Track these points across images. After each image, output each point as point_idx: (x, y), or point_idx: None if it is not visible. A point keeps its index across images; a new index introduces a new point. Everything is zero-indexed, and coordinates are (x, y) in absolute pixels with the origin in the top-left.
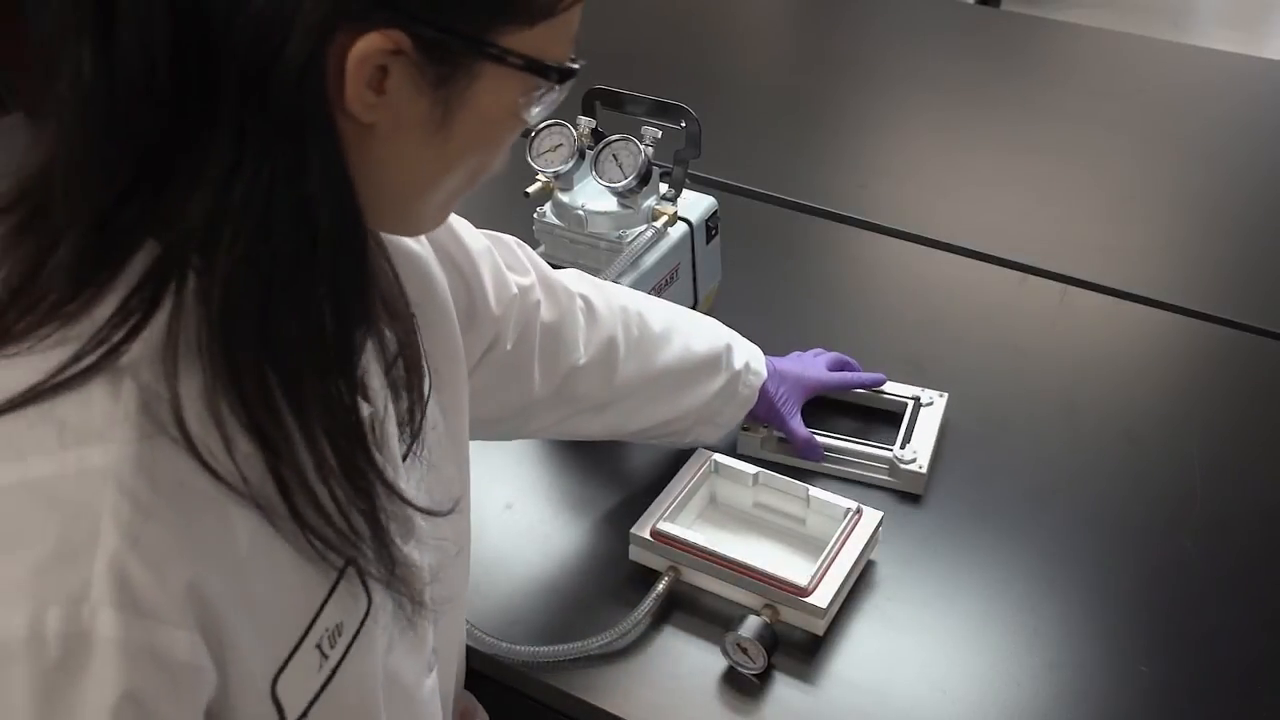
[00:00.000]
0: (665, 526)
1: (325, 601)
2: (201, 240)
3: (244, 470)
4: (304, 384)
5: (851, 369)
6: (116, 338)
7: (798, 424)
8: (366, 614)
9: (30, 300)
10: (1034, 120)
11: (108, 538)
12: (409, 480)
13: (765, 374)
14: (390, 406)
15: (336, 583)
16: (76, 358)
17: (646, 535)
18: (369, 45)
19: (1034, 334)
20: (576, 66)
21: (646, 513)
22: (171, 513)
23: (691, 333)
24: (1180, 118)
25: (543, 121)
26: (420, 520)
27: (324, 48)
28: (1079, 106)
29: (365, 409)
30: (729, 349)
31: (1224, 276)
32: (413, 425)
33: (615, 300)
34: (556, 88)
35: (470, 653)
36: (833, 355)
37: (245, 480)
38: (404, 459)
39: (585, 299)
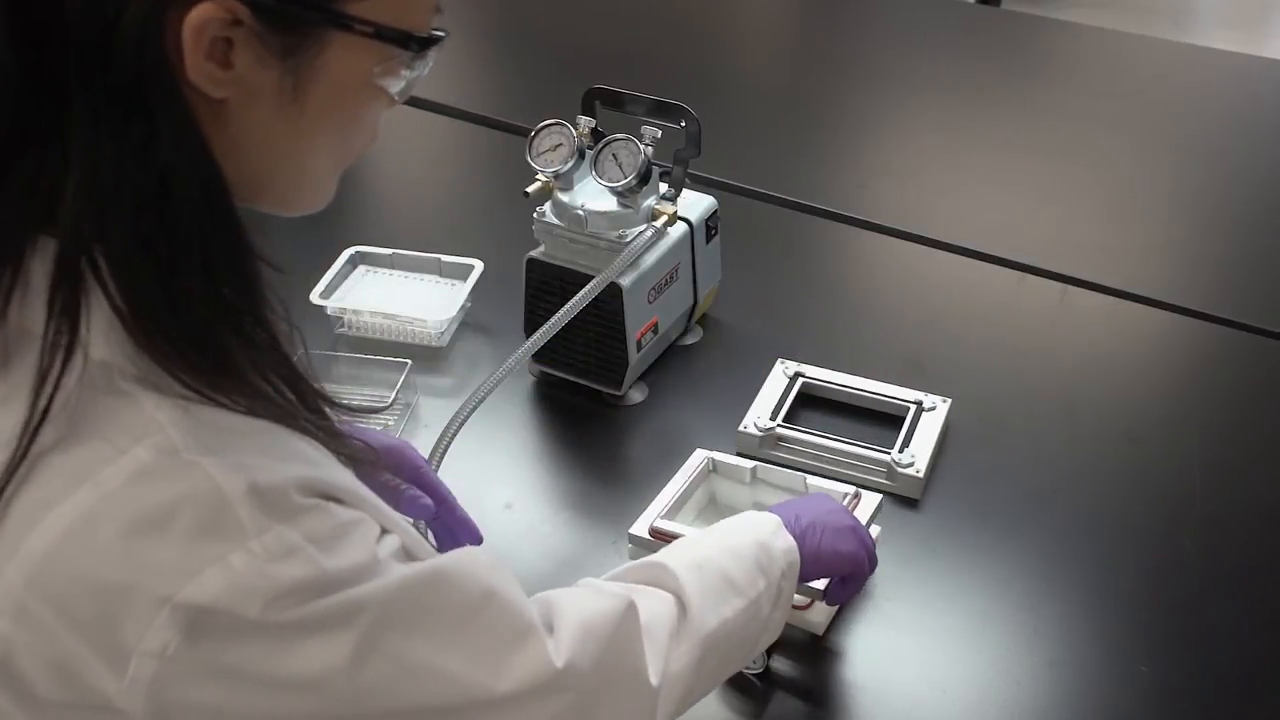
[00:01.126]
0: (663, 524)
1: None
2: (89, 226)
3: (257, 412)
4: (227, 345)
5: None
6: (61, 349)
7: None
8: None
9: None
10: (1034, 120)
11: (227, 484)
12: None
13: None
14: None
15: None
16: (44, 377)
17: (644, 535)
18: (202, 15)
19: (1034, 334)
20: (437, 35)
21: (644, 513)
22: (243, 444)
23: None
24: (1180, 117)
25: (406, 96)
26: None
27: (160, 17)
28: (1079, 106)
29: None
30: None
31: (1224, 276)
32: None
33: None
34: (416, 58)
35: None
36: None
37: (268, 415)
38: None
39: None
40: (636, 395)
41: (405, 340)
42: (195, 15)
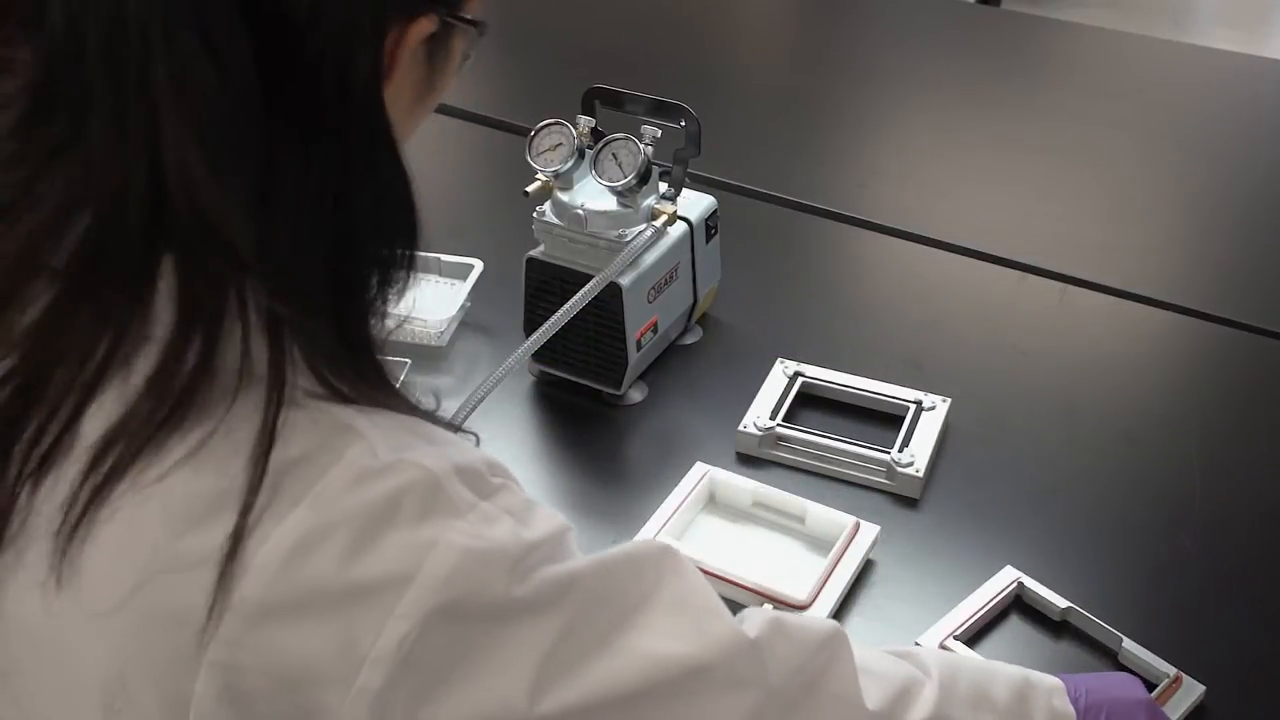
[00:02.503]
0: (664, 541)
1: None
2: (269, 254)
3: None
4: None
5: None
6: (278, 388)
7: None
8: None
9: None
10: (1034, 119)
11: (437, 468)
12: None
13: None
14: None
15: None
16: (277, 398)
17: None
18: (420, 31)
19: (1033, 333)
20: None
21: (645, 527)
22: (423, 436)
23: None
24: (1181, 117)
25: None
26: None
27: (381, 47)
28: (1079, 106)
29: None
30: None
31: (1224, 276)
32: None
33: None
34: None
35: None
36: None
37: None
38: None
39: None
40: (636, 395)
41: (404, 339)
42: (414, 32)
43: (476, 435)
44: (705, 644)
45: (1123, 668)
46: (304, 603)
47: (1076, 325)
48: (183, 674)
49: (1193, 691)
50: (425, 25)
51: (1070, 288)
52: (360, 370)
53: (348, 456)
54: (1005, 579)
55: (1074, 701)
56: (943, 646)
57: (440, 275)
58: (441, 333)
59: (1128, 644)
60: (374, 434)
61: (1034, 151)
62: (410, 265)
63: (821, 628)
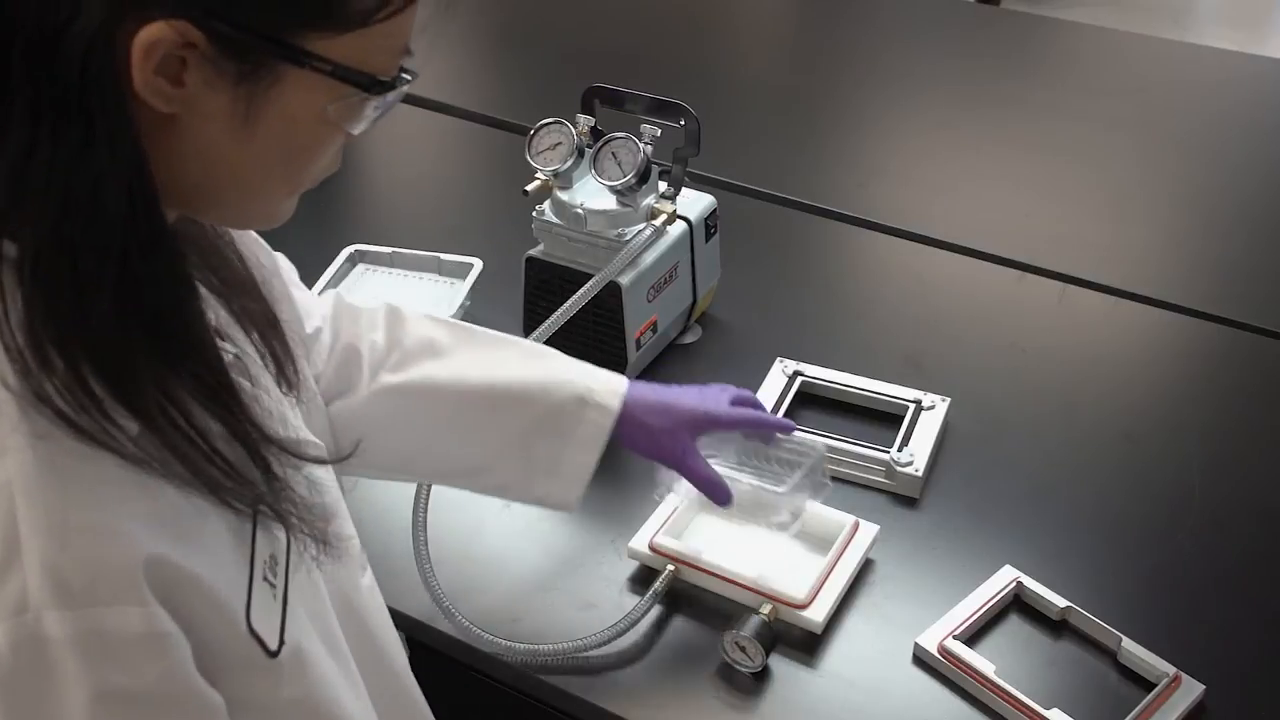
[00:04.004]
0: (663, 541)
1: (254, 539)
2: (7, 219)
3: (141, 446)
4: (140, 358)
5: (759, 407)
6: None
7: (696, 462)
8: (288, 540)
9: None
10: (1034, 118)
11: (30, 544)
12: (299, 421)
13: (617, 406)
14: (264, 362)
15: (254, 521)
16: None
17: (645, 550)
18: (151, 35)
19: (1033, 332)
20: (399, 78)
21: (644, 527)
22: (90, 501)
23: (510, 359)
24: (1181, 116)
25: (365, 130)
26: (312, 465)
27: (113, 30)
28: (1079, 105)
29: (229, 357)
30: (557, 383)
31: (1224, 275)
32: (285, 376)
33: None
34: (375, 97)
35: (469, 651)
36: (739, 392)
37: (147, 454)
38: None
39: (391, 308)
40: None
41: None
42: (145, 34)
43: None
44: None
45: (1122, 667)
46: None
47: (1076, 324)
48: None
49: (1192, 691)
50: (159, 30)
51: (1070, 287)
52: (98, 377)
53: None
54: (1004, 578)
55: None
56: (942, 646)
57: (440, 274)
58: None
59: (1127, 643)
60: (15, 463)
61: (1034, 151)
62: (161, 275)
63: None
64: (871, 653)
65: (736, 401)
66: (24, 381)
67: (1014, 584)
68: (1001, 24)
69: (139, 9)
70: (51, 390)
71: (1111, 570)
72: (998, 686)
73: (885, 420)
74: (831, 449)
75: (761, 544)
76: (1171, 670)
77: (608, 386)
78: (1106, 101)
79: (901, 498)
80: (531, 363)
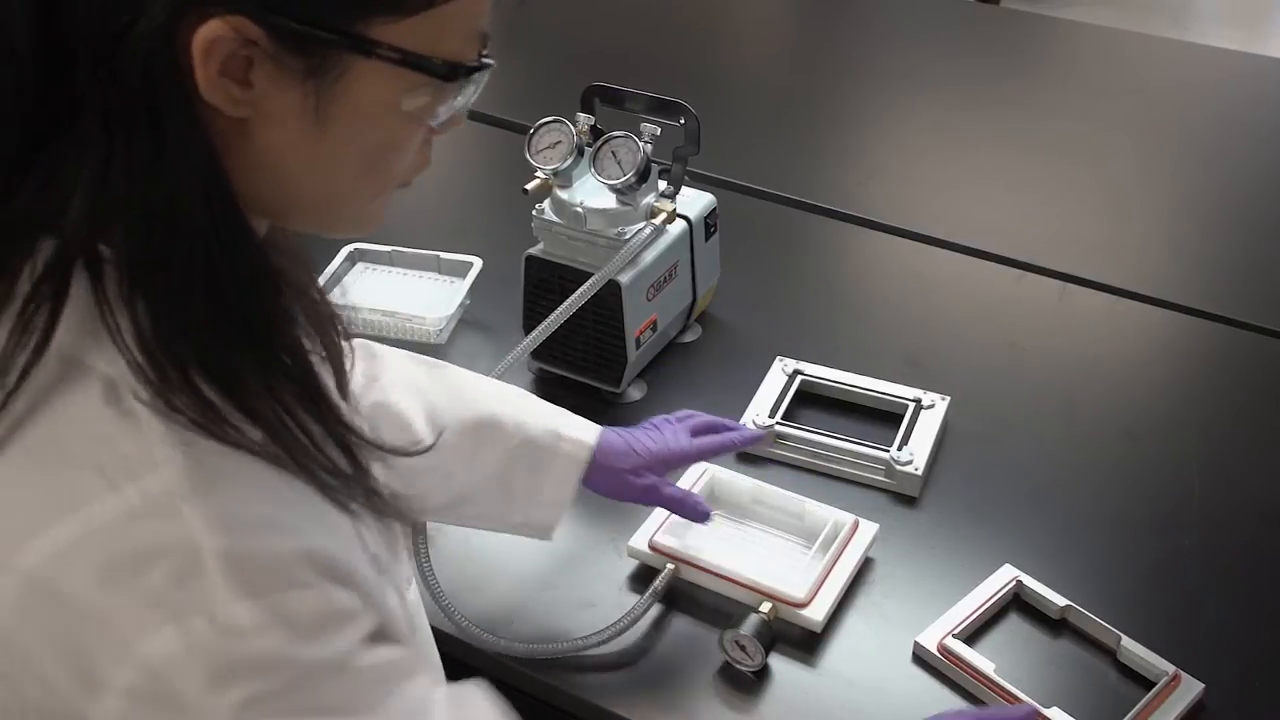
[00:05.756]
0: (663, 540)
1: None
2: (99, 232)
3: (267, 446)
4: (243, 363)
5: (723, 429)
6: (27, 350)
7: (666, 489)
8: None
9: None
10: (1033, 118)
11: (207, 545)
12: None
13: (592, 440)
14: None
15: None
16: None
17: (644, 549)
18: (209, 33)
19: (1033, 331)
20: (476, 64)
21: (644, 526)
22: (249, 497)
23: (486, 395)
24: (1180, 115)
25: (453, 125)
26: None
27: (172, 31)
28: (1079, 104)
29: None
30: (534, 415)
31: (1223, 274)
32: (341, 377)
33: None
34: (452, 85)
35: (468, 650)
36: (700, 419)
37: (274, 453)
38: None
39: (364, 344)
40: (635, 393)
41: (404, 337)
42: (204, 32)
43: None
44: None
45: (1122, 665)
46: (53, 617)
47: (1076, 323)
48: None
49: (1191, 689)
50: (217, 29)
51: (1069, 286)
52: (211, 387)
53: (126, 490)
54: (1004, 577)
55: None
56: (942, 645)
57: (439, 273)
58: (440, 330)
59: (1126, 642)
60: (173, 471)
61: (1033, 150)
62: (250, 282)
63: None
64: (871, 652)
65: (698, 430)
66: (153, 393)
67: (1013, 582)
68: (1001, 23)
69: (198, 7)
70: (178, 401)
71: (1111, 569)
72: (997, 685)
73: (885, 419)
74: (831, 447)
75: (761, 543)
76: (1171, 669)
77: (580, 424)
78: (1106, 100)
79: (901, 496)
80: (506, 399)
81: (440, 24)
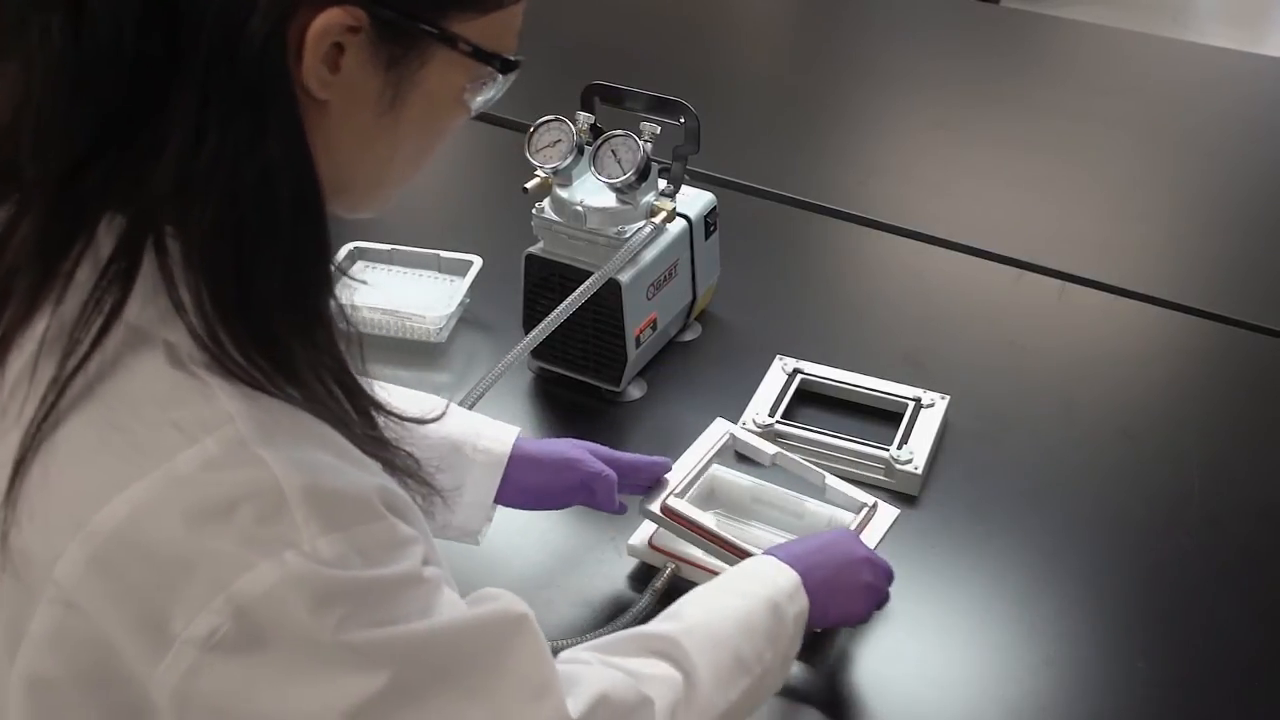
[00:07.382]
0: (663, 539)
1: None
2: (172, 209)
3: (307, 405)
4: (295, 339)
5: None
6: (101, 315)
7: (593, 463)
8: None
9: (2, 281)
10: (1033, 117)
11: (289, 483)
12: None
13: (510, 439)
14: None
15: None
16: (75, 340)
17: (644, 547)
18: (329, 20)
19: (1032, 330)
20: (520, 59)
21: (643, 526)
22: (316, 443)
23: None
24: (1179, 114)
25: (484, 106)
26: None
27: (286, 22)
28: (1078, 103)
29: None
30: (453, 422)
31: (1222, 273)
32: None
33: None
34: (499, 78)
35: None
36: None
37: (316, 411)
38: None
39: None
40: (635, 391)
41: (404, 336)
42: (322, 20)
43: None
44: None
45: (829, 502)
46: (127, 573)
47: (1075, 322)
48: (23, 612)
49: (889, 515)
50: (337, 16)
51: (1069, 285)
52: (265, 359)
53: (205, 441)
54: (718, 431)
55: (808, 581)
56: (665, 505)
57: (439, 271)
58: (440, 329)
59: (830, 480)
60: (246, 422)
61: (1033, 149)
62: (316, 259)
63: (634, 698)
64: (871, 650)
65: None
66: (209, 358)
67: (727, 436)
68: (1001, 22)
69: None
70: (231, 365)
71: (1109, 566)
72: (717, 536)
73: (885, 418)
74: (831, 446)
75: (761, 543)
76: (871, 500)
77: (499, 426)
78: (1105, 99)
79: (901, 495)
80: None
81: (504, 22)
